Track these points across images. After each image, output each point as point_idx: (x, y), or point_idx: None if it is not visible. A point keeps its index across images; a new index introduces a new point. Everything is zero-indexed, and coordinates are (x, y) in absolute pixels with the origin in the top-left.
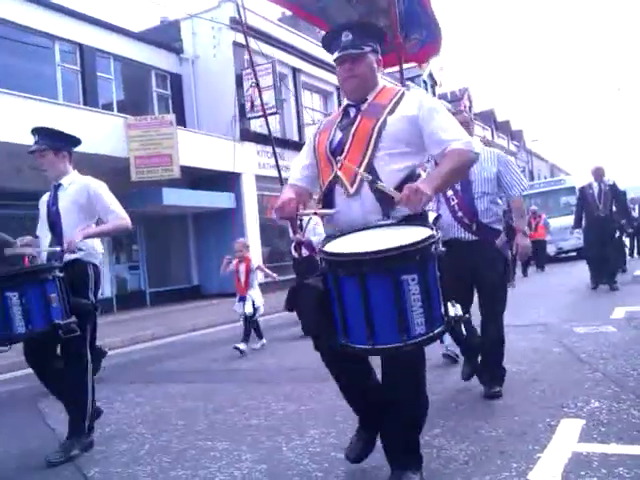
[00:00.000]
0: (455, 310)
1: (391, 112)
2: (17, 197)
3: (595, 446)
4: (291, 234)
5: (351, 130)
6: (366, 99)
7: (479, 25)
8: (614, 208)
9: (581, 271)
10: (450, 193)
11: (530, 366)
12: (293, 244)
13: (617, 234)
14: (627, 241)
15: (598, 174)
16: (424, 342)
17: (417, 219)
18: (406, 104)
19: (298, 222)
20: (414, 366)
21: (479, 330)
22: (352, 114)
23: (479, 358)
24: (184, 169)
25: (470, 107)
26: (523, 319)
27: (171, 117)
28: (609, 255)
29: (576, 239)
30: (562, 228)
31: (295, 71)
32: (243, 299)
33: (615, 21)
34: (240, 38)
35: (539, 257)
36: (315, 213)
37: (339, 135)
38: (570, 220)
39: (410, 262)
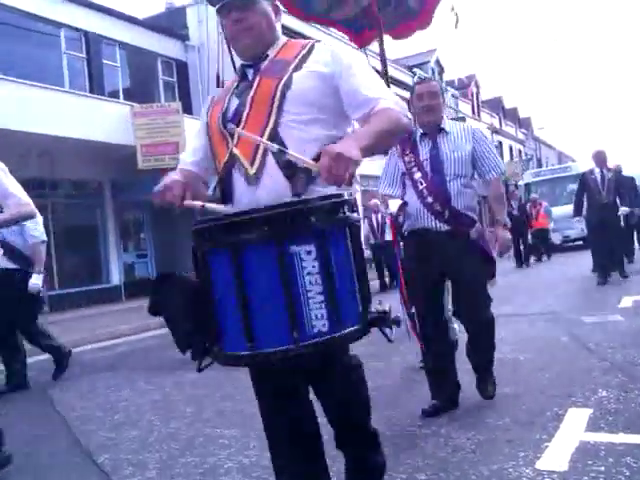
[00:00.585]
0: (381, 305)
1: (297, 68)
2: (24, 185)
3: (602, 435)
4: None
5: (249, 94)
6: (266, 55)
7: (487, 11)
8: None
9: (588, 260)
10: (418, 175)
11: (538, 355)
12: None
13: (622, 223)
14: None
15: (600, 159)
16: (327, 344)
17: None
18: (317, 58)
19: None
20: (355, 388)
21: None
22: (250, 76)
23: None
24: None
25: (477, 94)
26: (531, 307)
27: (177, 105)
28: (614, 244)
29: (583, 227)
30: (568, 216)
31: None
32: None
33: (622, 8)
34: None
35: (544, 246)
36: (202, 206)
37: (235, 103)
38: None
39: (303, 227)
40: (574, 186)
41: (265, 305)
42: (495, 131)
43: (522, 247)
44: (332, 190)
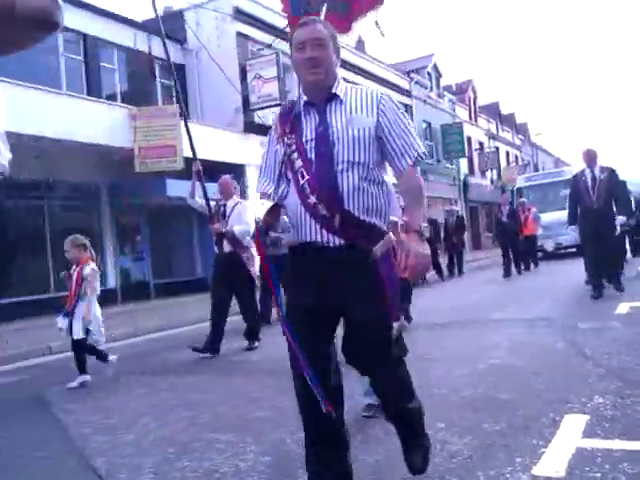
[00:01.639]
0: None
1: None
2: (20, 187)
3: (599, 442)
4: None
5: None
6: None
7: (484, 16)
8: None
9: (582, 267)
10: (299, 165)
11: (533, 360)
12: (214, 237)
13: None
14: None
15: (590, 157)
16: None
17: None
18: None
19: (221, 209)
20: None
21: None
22: None
23: None
24: (188, 161)
25: (475, 99)
26: (525, 314)
27: (175, 108)
28: (608, 254)
29: (576, 234)
30: (561, 223)
31: None
32: (68, 314)
33: (619, 14)
34: (243, 29)
35: (531, 255)
36: None
37: None
38: None
39: None
40: (567, 191)
41: None
42: (492, 137)
43: (512, 256)
44: None
